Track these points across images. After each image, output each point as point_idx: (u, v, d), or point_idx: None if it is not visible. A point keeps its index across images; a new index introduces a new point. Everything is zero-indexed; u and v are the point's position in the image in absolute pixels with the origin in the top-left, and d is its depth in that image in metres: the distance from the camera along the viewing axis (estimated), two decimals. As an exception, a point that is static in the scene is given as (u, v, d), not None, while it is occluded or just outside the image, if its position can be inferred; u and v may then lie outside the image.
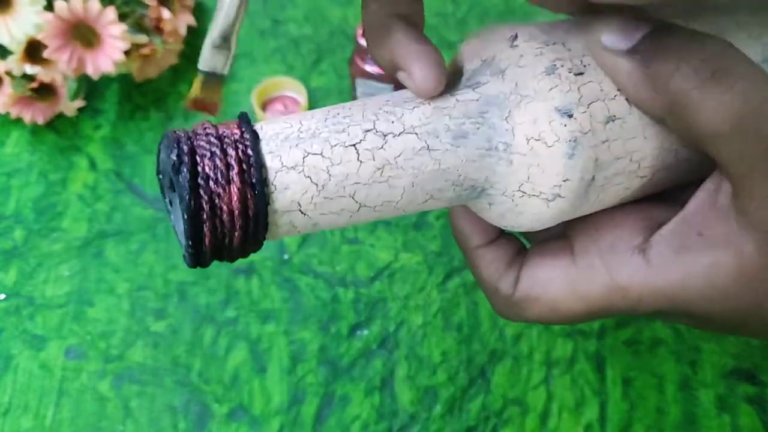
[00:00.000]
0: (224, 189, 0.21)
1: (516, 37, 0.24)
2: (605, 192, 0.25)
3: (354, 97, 0.52)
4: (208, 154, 0.21)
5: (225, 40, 0.23)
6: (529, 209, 0.24)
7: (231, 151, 0.21)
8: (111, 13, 0.46)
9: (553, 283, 0.26)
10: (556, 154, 0.23)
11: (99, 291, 0.44)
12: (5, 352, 0.42)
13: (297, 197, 0.22)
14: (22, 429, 0.39)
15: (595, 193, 0.25)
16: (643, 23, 0.23)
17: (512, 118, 0.23)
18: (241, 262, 0.45)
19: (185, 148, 0.21)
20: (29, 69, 0.47)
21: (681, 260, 0.24)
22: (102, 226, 0.47)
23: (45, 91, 0.49)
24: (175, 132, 0.22)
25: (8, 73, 0.47)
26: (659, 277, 0.24)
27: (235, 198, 0.21)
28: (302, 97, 0.51)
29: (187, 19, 0.52)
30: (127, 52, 0.48)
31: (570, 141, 0.23)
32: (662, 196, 0.27)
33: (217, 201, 0.21)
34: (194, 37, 0.56)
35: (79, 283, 0.44)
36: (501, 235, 0.28)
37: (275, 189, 0.22)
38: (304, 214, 0.23)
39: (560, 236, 0.28)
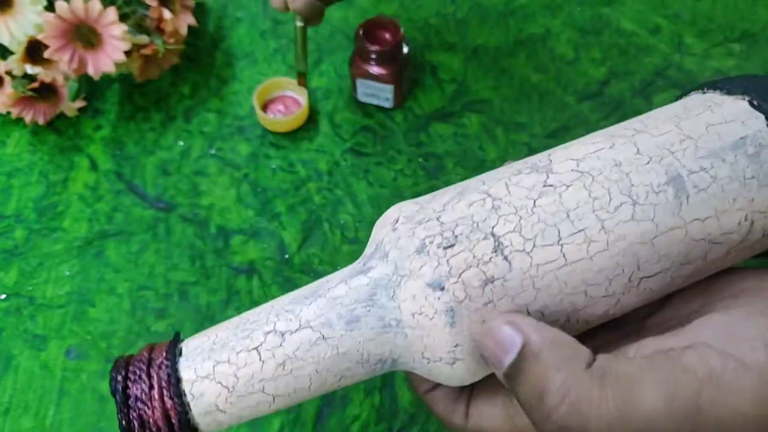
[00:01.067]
0: (148, 406, 0.26)
1: (397, 220, 0.27)
2: None
3: (355, 97, 0.52)
4: (137, 379, 0.26)
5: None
6: (440, 372, 0.27)
7: (154, 374, 0.26)
8: (112, 13, 0.46)
9: (496, 419, 0.28)
10: (439, 324, 0.25)
11: (100, 291, 0.44)
12: (6, 351, 0.42)
13: (213, 400, 0.26)
14: (22, 429, 0.39)
15: None
16: (518, 341, 0.24)
17: (397, 297, 0.26)
18: (241, 262, 0.45)
19: (120, 377, 0.26)
20: (30, 69, 0.47)
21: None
22: (102, 227, 0.47)
23: (46, 92, 0.49)
24: (118, 360, 0.27)
25: (9, 73, 0.47)
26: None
27: (158, 413, 0.26)
28: (303, 97, 0.51)
29: (188, 20, 0.52)
30: (127, 53, 0.48)
31: (447, 311, 0.25)
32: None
33: (145, 417, 0.26)
34: (195, 38, 0.56)
35: (80, 283, 0.44)
36: None
37: (193, 397, 0.26)
38: (224, 412, 0.26)
39: None
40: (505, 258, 0.25)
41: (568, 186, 0.26)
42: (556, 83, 0.53)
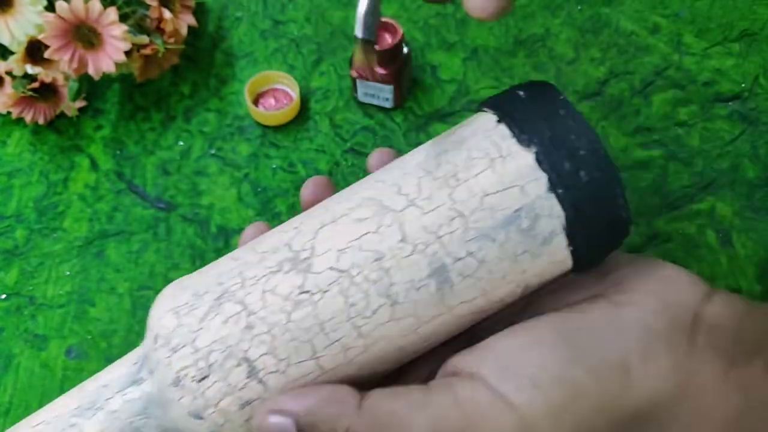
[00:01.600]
0: None
1: (157, 337, 0.27)
2: None
3: (355, 97, 0.52)
4: None
5: (375, 7, 0.26)
6: None
7: None
8: (112, 13, 0.46)
9: None
10: None
11: (100, 290, 0.44)
12: (6, 351, 0.42)
13: None
14: (23, 428, 0.39)
15: None
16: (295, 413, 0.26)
17: (167, 416, 0.28)
18: (241, 262, 0.45)
19: None
20: (30, 69, 0.47)
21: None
22: (103, 226, 0.47)
23: (46, 91, 0.49)
24: None
25: (9, 73, 0.47)
26: None
27: None
28: (294, 91, 0.51)
29: (188, 20, 0.52)
30: (128, 53, 0.48)
31: None
32: None
33: None
34: (195, 38, 0.56)
35: (80, 283, 0.44)
36: None
37: None
38: None
39: None
40: (260, 381, 0.26)
41: (325, 292, 0.26)
42: (556, 83, 0.53)
